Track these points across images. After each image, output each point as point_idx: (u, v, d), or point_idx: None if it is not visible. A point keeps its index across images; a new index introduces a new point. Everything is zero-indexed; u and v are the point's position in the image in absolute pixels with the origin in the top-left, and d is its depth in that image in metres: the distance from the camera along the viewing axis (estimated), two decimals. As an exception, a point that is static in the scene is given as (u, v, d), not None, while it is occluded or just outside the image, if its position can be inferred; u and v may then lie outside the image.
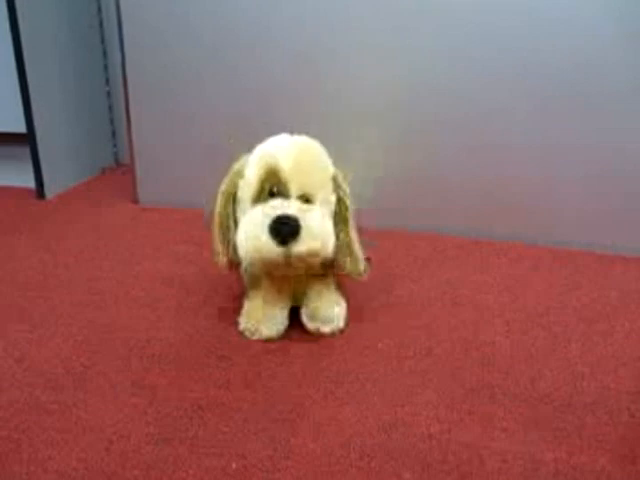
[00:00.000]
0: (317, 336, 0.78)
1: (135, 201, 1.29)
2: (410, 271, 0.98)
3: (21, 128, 1.26)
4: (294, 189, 0.69)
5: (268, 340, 0.77)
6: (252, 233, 0.67)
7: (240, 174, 0.74)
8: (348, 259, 0.76)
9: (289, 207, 0.68)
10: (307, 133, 0.76)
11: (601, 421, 0.63)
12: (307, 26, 1.08)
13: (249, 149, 0.76)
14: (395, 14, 1.03)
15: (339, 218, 0.75)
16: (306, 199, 0.70)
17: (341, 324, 0.79)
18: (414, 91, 1.08)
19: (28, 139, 1.26)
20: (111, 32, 1.44)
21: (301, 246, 0.66)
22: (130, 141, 1.26)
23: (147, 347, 0.76)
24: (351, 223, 0.76)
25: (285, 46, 1.10)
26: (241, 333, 0.78)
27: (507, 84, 1.02)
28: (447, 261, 1.02)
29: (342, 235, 0.75)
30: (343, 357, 0.74)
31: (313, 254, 0.68)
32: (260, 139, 1.19)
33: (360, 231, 0.78)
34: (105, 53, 1.48)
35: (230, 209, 0.75)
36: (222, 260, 0.77)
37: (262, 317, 0.77)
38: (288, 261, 0.68)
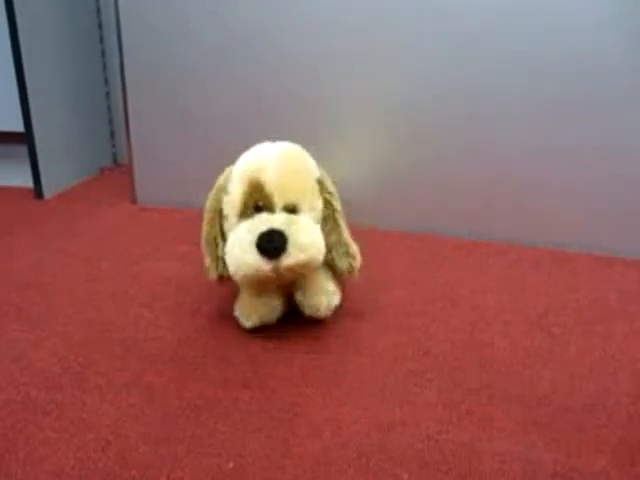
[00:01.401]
0: (315, 333, 0.78)
1: (133, 201, 1.29)
2: (409, 272, 0.98)
3: (19, 127, 1.25)
4: (279, 201, 0.69)
5: (264, 325, 0.77)
6: (239, 251, 0.68)
7: (224, 189, 0.74)
8: (341, 258, 0.76)
9: (274, 220, 0.68)
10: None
11: (600, 423, 0.63)
12: (307, 25, 1.08)
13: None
14: (397, 16, 1.03)
15: (328, 220, 0.75)
16: (292, 209, 0.70)
17: (336, 300, 0.78)
18: (414, 93, 1.08)
19: (26, 138, 1.26)
20: (110, 32, 1.44)
21: (289, 259, 0.67)
22: (129, 141, 1.26)
23: (145, 346, 0.75)
24: (341, 223, 0.76)
25: (285, 46, 1.10)
26: (237, 320, 0.78)
27: (507, 85, 1.02)
28: (446, 262, 1.02)
29: (333, 236, 0.75)
30: (341, 357, 0.74)
31: (302, 265, 0.69)
32: (260, 139, 1.19)
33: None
34: (104, 53, 1.48)
35: (217, 225, 0.75)
36: (212, 275, 0.77)
37: (257, 302, 0.76)
38: (278, 274, 0.68)
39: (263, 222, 0.68)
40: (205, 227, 0.76)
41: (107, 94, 1.51)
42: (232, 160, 0.77)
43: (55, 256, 1.02)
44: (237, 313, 0.78)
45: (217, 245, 0.75)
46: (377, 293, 0.90)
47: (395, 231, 1.13)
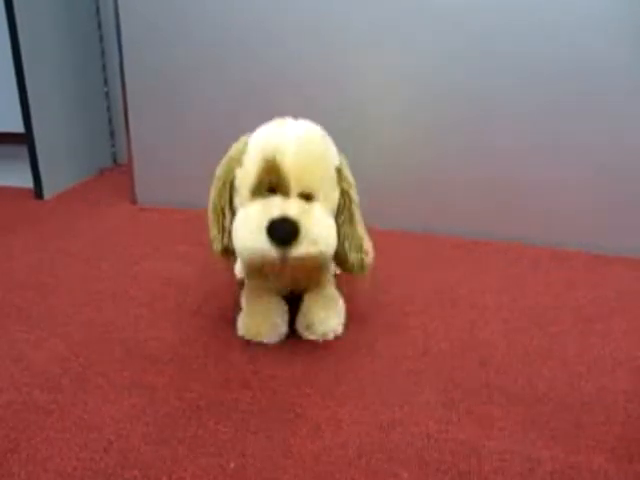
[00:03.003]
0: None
1: (133, 201, 1.29)
2: (408, 271, 0.98)
3: (19, 128, 1.26)
4: (295, 187, 0.66)
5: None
6: (249, 232, 0.65)
7: (238, 161, 0.70)
8: (353, 253, 0.73)
9: (288, 207, 0.65)
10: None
11: (598, 420, 0.63)
12: (307, 26, 1.08)
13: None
14: (397, 16, 1.03)
15: (344, 210, 0.72)
16: (307, 195, 0.67)
17: (339, 330, 0.78)
18: (413, 93, 1.08)
19: (26, 139, 1.26)
20: (109, 32, 1.44)
21: (299, 249, 0.64)
22: (128, 141, 1.26)
23: (146, 347, 0.76)
24: (357, 215, 0.73)
25: (285, 46, 1.10)
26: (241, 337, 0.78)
27: (507, 85, 1.02)
28: (445, 261, 1.02)
29: (347, 228, 0.72)
30: (341, 357, 0.75)
31: (312, 257, 0.66)
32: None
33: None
34: (103, 53, 1.48)
35: (226, 196, 0.72)
36: (217, 247, 0.74)
37: (262, 323, 0.76)
38: (283, 263, 0.65)
39: (276, 207, 0.65)
40: (213, 196, 0.72)
41: (107, 94, 1.51)
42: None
43: (55, 256, 1.02)
44: (242, 333, 0.77)
45: (225, 216, 0.72)
46: (376, 293, 0.91)
47: (395, 231, 1.13)
